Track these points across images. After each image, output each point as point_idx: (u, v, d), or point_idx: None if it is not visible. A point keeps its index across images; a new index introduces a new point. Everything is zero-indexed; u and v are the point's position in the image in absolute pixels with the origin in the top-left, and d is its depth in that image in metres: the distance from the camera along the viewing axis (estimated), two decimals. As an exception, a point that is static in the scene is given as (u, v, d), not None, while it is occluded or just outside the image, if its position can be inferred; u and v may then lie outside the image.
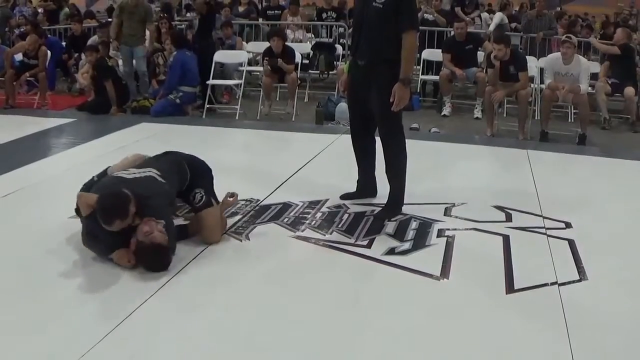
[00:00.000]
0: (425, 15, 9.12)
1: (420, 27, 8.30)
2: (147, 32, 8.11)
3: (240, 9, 11.56)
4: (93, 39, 9.04)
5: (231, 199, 3.60)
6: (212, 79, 7.79)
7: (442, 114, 7.80)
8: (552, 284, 3.02)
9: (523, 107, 6.58)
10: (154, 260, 3.02)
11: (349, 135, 4.17)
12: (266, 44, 7.87)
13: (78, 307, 2.74)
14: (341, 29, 9.98)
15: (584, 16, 15.50)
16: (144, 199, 3.04)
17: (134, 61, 8.02)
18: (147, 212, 3.04)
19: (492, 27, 9.67)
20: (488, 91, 6.66)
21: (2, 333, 2.53)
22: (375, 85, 3.75)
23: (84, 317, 2.66)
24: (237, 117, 7.44)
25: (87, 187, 3.39)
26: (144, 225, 3.00)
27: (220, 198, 3.54)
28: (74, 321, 2.62)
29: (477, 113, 7.62)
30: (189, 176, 3.43)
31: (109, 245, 3.07)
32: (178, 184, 3.38)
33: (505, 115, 7.57)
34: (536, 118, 7.04)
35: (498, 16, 9.91)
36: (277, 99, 8.26)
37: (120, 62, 8.85)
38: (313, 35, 10.53)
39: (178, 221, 3.57)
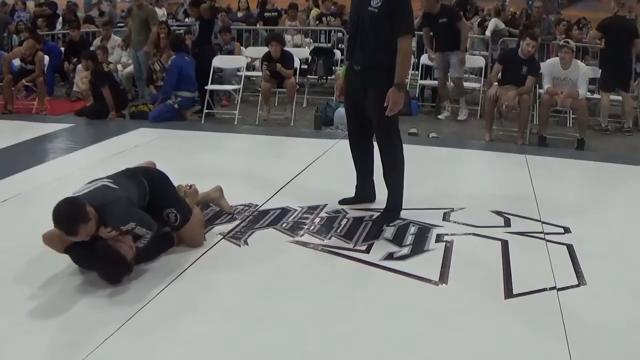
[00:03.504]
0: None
1: (417, 33, 8.38)
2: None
3: (239, 14, 11.58)
4: (95, 44, 9.11)
5: (190, 189, 3.66)
6: (211, 84, 7.80)
7: (441, 118, 7.82)
8: (551, 289, 3.02)
9: (524, 112, 6.55)
10: (107, 269, 2.95)
11: (347, 140, 4.17)
12: (265, 49, 7.86)
13: (77, 311, 2.74)
14: (340, 34, 9.99)
15: (583, 21, 15.46)
16: (102, 207, 2.92)
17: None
18: (110, 220, 2.94)
19: (488, 33, 9.69)
20: (486, 96, 6.66)
21: (2, 336, 2.53)
22: (371, 90, 3.73)
23: (83, 321, 2.65)
24: (235, 123, 7.44)
25: None
26: (113, 239, 2.95)
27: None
28: (73, 325, 2.62)
29: (448, 113, 7.78)
30: (147, 187, 3.27)
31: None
32: (137, 194, 3.19)
33: (503, 120, 7.57)
34: (534, 123, 7.05)
35: (493, 22, 9.94)
36: (276, 104, 8.28)
37: (119, 67, 8.96)
38: (312, 40, 10.56)
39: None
